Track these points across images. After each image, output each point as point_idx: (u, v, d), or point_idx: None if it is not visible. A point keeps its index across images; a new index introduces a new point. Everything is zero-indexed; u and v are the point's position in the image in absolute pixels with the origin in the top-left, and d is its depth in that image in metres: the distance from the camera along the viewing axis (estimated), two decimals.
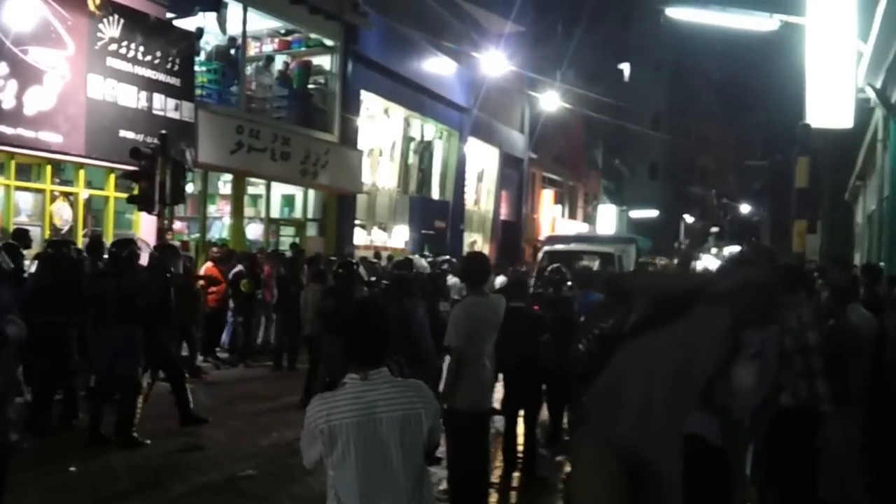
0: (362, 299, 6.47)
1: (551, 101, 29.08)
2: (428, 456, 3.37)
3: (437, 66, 22.88)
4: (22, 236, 9.70)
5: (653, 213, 47.37)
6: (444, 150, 25.03)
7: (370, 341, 3.12)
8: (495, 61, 24.04)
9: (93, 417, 8.14)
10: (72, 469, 7.23)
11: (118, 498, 6.65)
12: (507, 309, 5.92)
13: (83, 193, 12.91)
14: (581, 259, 15.29)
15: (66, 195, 12.70)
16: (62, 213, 12.50)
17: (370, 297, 6.72)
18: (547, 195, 34.65)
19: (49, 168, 12.27)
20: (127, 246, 8.44)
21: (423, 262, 9.10)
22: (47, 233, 11.96)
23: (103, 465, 7.46)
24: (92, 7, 12.42)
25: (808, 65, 12.33)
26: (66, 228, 12.44)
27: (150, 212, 11.85)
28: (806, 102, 12.46)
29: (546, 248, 18.86)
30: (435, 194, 24.44)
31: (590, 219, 39.93)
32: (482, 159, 27.99)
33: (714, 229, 62.93)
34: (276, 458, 7.86)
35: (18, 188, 11.95)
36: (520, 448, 7.59)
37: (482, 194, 28.57)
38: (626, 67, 52.54)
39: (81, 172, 12.81)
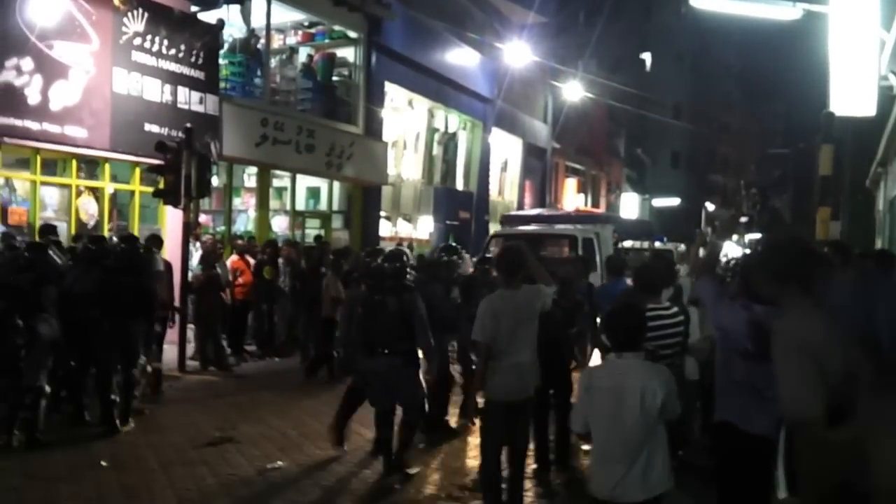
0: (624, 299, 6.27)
1: (574, 90, 28.91)
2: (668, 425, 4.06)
3: (460, 57, 22.76)
4: (49, 232, 9.72)
5: (675, 202, 47.06)
6: (468, 140, 24.93)
7: (626, 328, 4.10)
8: (518, 52, 23.91)
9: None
10: (103, 463, 7.23)
11: (149, 491, 6.63)
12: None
13: (109, 188, 12.93)
14: (541, 243, 13.63)
15: (92, 190, 12.72)
16: (88, 208, 12.53)
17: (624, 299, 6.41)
18: (570, 184, 34.48)
19: (74, 163, 12.30)
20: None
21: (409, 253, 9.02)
22: (73, 228, 11.99)
23: (134, 458, 7.46)
24: (116, 2, 12.40)
25: (831, 53, 12.24)
26: (92, 223, 12.47)
27: (175, 205, 11.83)
28: (829, 91, 12.39)
29: (495, 231, 16.53)
30: (459, 185, 24.35)
31: (612, 207, 39.70)
32: (506, 149, 27.87)
33: (743, 219, 62.59)
34: (305, 450, 7.83)
35: (44, 183, 11.98)
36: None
37: (506, 184, 28.46)
38: (647, 57, 52.16)
39: (107, 167, 12.82)
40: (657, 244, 20.38)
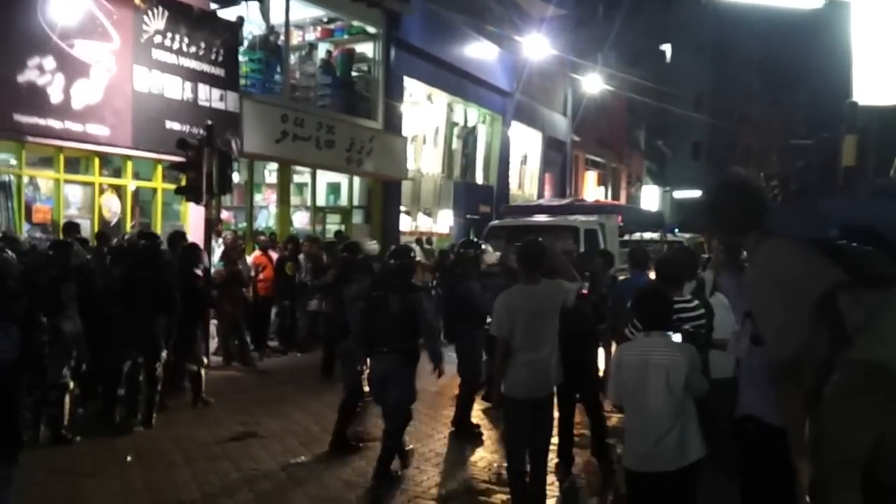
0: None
1: (593, 83, 28.76)
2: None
3: (479, 51, 22.71)
4: (73, 229, 9.80)
5: (696, 194, 46.71)
6: (487, 134, 24.89)
7: (653, 310, 4.37)
8: (537, 45, 23.79)
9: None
10: (128, 458, 7.30)
11: (173, 486, 6.68)
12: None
13: (131, 185, 13.02)
14: (540, 235, 13.21)
15: (115, 187, 12.82)
16: (111, 206, 12.63)
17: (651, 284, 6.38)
18: (590, 177, 34.33)
19: (97, 161, 12.39)
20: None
21: (417, 249, 8.76)
22: (97, 225, 12.08)
23: (158, 454, 7.52)
24: (137, 0, 12.47)
25: (854, 42, 12.08)
26: (114, 220, 12.57)
27: (197, 202, 11.89)
28: (852, 80, 12.24)
29: (492, 223, 15.72)
30: (479, 179, 24.33)
31: (633, 200, 39.48)
32: (525, 143, 27.80)
33: None
34: (327, 444, 7.84)
35: (67, 181, 12.08)
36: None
37: (526, 178, 28.38)
38: (667, 49, 51.76)
39: (129, 164, 12.91)
40: (669, 235, 19.68)
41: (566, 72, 28.70)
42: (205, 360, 9.59)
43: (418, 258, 8.57)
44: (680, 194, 46.17)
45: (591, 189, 33.98)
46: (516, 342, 5.52)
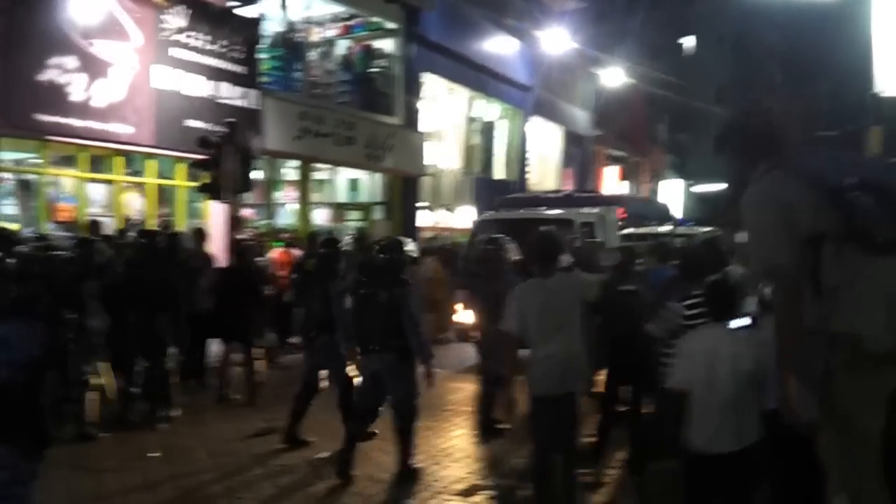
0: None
1: (614, 77, 28.53)
2: None
3: (499, 46, 22.62)
4: (94, 228, 9.86)
5: (720, 187, 46.30)
6: (507, 129, 24.80)
7: (720, 298, 4.44)
8: (557, 39, 23.64)
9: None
10: (155, 455, 7.33)
11: (197, 481, 6.71)
12: (610, 293, 5.77)
13: (153, 183, 13.07)
14: (532, 229, 12.45)
15: (138, 186, 12.88)
16: (134, 204, 12.68)
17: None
18: (611, 172, 34.14)
19: (119, 159, 12.44)
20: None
21: (410, 246, 8.41)
22: (120, 223, 12.14)
23: (182, 450, 7.56)
24: None
25: (875, 33, 11.91)
26: (137, 219, 12.62)
27: (220, 200, 11.94)
28: (874, 71, 12.07)
29: (482, 217, 14.92)
30: (499, 174, 24.25)
31: (655, 194, 39.24)
32: (546, 137, 27.66)
33: None
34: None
35: (90, 180, 12.14)
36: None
37: (546, 173, 28.24)
38: (688, 41, 51.37)
39: (151, 163, 12.96)
40: (682, 228, 18.67)
41: (587, 66, 28.50)
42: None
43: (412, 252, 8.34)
44: (702, 188, 45.83)
45: (612, 184, 33.79)
46: (531, 338, 5.42)
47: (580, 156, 30.40)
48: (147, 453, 7.37)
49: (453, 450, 7.76)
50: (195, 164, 12.14)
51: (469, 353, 11.36)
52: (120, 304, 8.03)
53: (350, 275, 7.30)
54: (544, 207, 13.88)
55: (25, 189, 11.27)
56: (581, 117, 29.96)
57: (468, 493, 6.54)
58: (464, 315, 11.29)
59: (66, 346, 3.85)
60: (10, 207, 11.26)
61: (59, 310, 4.41)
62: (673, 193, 40.61)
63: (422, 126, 19.26)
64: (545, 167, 28.22)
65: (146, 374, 8.46)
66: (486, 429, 8.21)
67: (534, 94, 24.87)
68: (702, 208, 36.67)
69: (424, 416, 9.11)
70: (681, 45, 50.15)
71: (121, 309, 8.03)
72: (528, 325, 5.39)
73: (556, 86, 26.64)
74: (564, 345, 5.39)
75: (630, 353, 6.49)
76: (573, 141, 29.48)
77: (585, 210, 13.18)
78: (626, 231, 13.47)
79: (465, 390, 9.82)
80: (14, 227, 10.57)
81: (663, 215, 17.59)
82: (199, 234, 11.19)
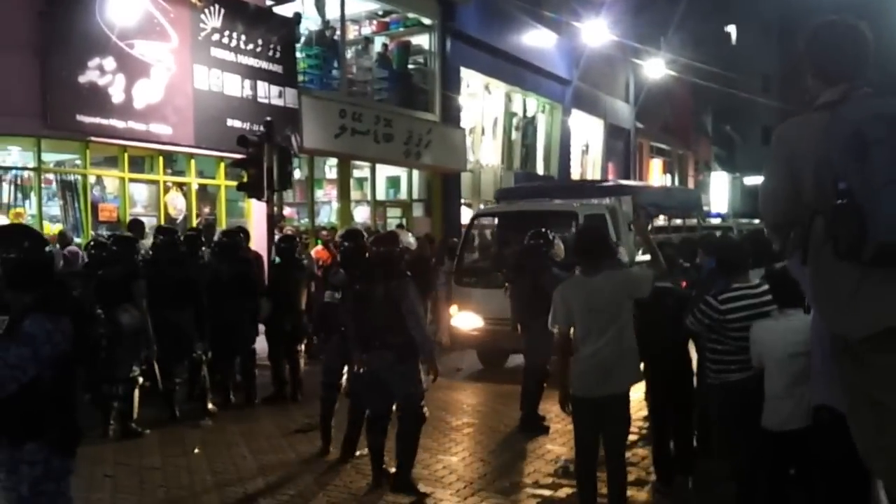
0: None
1: (656, 68, 28.14)
2: None
3: (537, 39, 22.42)
4: (137, 227, 9.92)
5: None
6: (547, 123, 24.60)
7: (787, 286, 4.30)
8: (597, 30, 23.33)
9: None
10: (196, 451, 7.32)
11: (239, 477, 6.68)
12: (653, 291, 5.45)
13: (195, 183, 13.15)
14: (531, 223, 10.40)
15: (179, 185, 12.97)
16: (176, 203, 12.78)
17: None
18: (655, 165, 33.73)
19: (161, 159, 12.53)
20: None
21: (409, 238, 8.03)
22: (162, 223, 12.23)
23: (226, 446, 7.54)
24: None
25: None
26: (180, 218, 12.71)
27: (259, 198, 11.92)
28: None
29: (476, 211, 13.86)
30: (540, 169, 24.05)
31: (701, 186, 38.69)
32: (587, 131, 27.41)
33: None
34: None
35: (132, 180, 12.26)
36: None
37: (588, 167, 27.98)
38: (732, 30, 50.59)
39: (192, 162, 13.04)
40: (714, 220, 17.29)
41: (627, 57, 28.17)
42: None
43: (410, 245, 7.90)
44: (750, 180, 45.04)
45: (657, 177, 33.41)
46: (576, 337, 5.20)
47: (623, 149, 30.06)
48: (189, 449, 7.36)
49: (496, 447, 7.63)
50: (235, 163, 12.18)
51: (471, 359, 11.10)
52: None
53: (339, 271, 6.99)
54: (547, 199, 12.65)
55: (68, 190, 11.40)
56: (623, 110, 29.62)
57: (509, 491, 6.39)
58: (460, 319, 11.03)
59: (99, 342, 3.81)
60: (54, 208, 11.39)
61: (92, 306, 4.38)
62: (720, 186, 40.02)
63: (460, 122, 19.13)
64: (587, 161, 27.95)
65: (188, 370, 8.47)
66: (532, 424, 8.08)
67: (573, 88, 24.61)
68: (751, 201, 36.04)
69: (464, 411, 9.11)
70: (727, 34, 49.41)
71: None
72: (577, 323, 5.17)
73: (597, 78, 26.36)
74: (610, 345, 5.11)
75: (665, 362, 6.07)
76: (615, 134, 29.17)
77: (595, 201, 12.18)
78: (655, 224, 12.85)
79: (512, 387, 9.63)
80: (57, 227, 10.74)
81: (688, 206, 16.36)
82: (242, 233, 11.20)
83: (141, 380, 7.78)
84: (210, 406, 8.56)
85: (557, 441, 7.73)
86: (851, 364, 2.81)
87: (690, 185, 37.76)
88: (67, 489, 3.69)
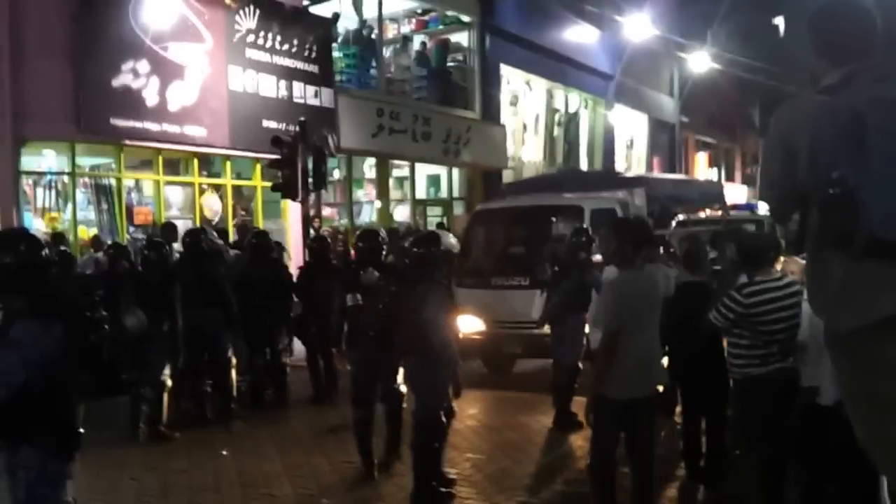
0: None
1: (701, 62, 27.58)
2: None
3: (578, 34, 22.15)
4: (169, 230, 9.92)
5: None
6: (590, 119, 24.31)
7: None
8: (640, 25, 22.87)
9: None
10: (224, 454, 7.25)
11: (266, 480, 6.59)
12: (683, 285, 5.34)
13: (230, 184, 13.15)
14: (536, 219, 10.52)
15: (215, 187, 12.98)
16: (211, 205, 12.80)
17: None
18: (701, 159, 33.19)
19: (196, 161, 12.55)
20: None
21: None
22: (198, 225, 12.24)
23: (253, 447, 7.46)
24: (227, 0, 12.58)
25: None
26: (215, 220, 12.71)
27: (294, 199, 11.90)
28: None
29: (477, 208, 13.21)
30: (583, 165, 23.74)
31: (749, 181, 37.94)
32: (631, 126, 27.07)
33: None
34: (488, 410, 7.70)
35: (168, 182, 12.29)
36: None
37: (633, 162, 27.60)
38: (780, 22, 49.60)
39: (228, 164, 13.05)
40: (745, 212, 15.23)
41: (672, 50, 27.66)
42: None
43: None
44: None
45: (703, 171, 32.89)
46: (623, 336, 4.85)
47: (668, 143, 29.62)
48: (217, 453, 7.29)
49: (527, 444, 7.49)
50: (271, 164, 12.16)
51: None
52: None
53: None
54: (554, 194, 11.89)
55: (103, 194, 11.47)
56: (667, 104, 29.21)
57: (538, 490, 6.24)
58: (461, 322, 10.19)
59: (100, 347, 3.74)
60: (90, 213, 11.47)
61: (95, 309, 4.29)
62: None
63: (501, 119, 18.95)
64: (632, 156, 27.58)
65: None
66: (564, 421, 7.89)
67: (616, 82, 24.25)
68: None
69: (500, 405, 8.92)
70: (775, 26, 48.41)
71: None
72: (625, 321, 4.81)
73: (640, 73, 25.95)
74: (653, 343, 4.92)
75: (703, 359, 5.69)
76: (660, 128, 28.76)
77: (605, 194, 11.46)
78: (680, 218, 12.28)
79: (540, 384, 9.41)
80: (93, 232, 10.82)
81: (710, 198, 15.36)
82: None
83: (170, 383, 7.73)
84: (233, 406, 8.49)
85: (582, 438, 7.53)
86: (844, 355, 2.70)
87: (738, 178, 37.12)
88: (64, 494, 3.65)
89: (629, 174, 16.78)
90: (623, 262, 4.96)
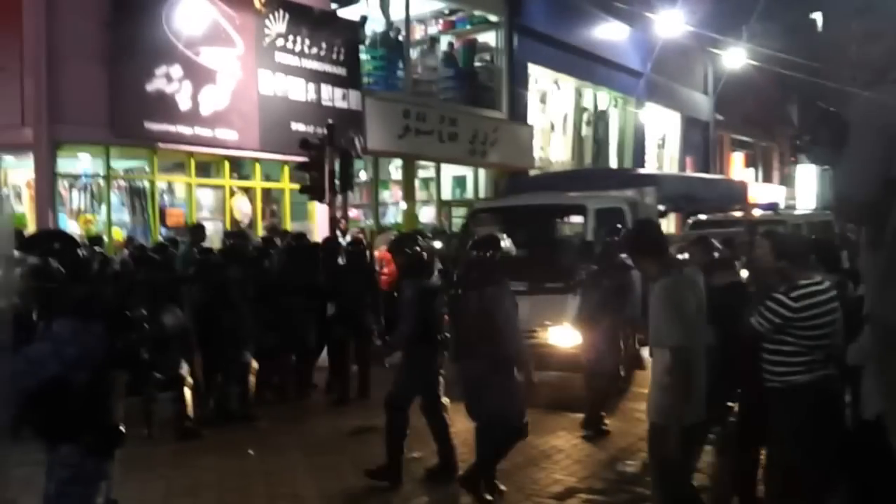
0: None
1: (737, 58, 27.20)
2: None
3: (607, 31, 22.02)
4: (197, 231, 10.13)
5: None
6: (620, 117, 24.11)
7: None
8: (672, 20, 22.65)
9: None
10: (251, 453, 7.42)
11: (290, 478, 6.73)
12: (721, 287, 5.08)
13: (260, 187, 13.35)
14: (535, 220, 10.16)
15: (245, 189, 13.19)
16: (241, 207, 13.01)
17: None
18: (737, 158, 32.72)
19: (227, 164, 12.77)
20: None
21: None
22: (228, 227, 12.47)
23: (279, 448, 7.62)
24: (258, 4, 12.77)
25: None
26: (245, 222, 12.93)
27: (321, 200, 12.08)
28: None
29: (475, 207, 12.74)
30: (612, 165, 23.59)
31: (787, 180, 37.38)
32: (663, 125, 26.77)
33: None
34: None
35: (199, 185, 12.52)
36: None
37: (665, 162, 27.32)
38: (818, 17, 48.79)
39: (257, 166, 13.25)
40: (759, 212, 14.58)
41: (706, 47, 27.34)
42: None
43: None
44: None
45: (738, 171, 32.43)
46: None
47: (702, 142, 29.28)
48: (244, 452, 7.44)
49: (553, 450, 7.50)
50: (299, 167, 12.34)
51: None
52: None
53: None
54: (556, 192, 11.26)
55: (137, 196, 11.71)
56: (701, 101, 28.86)
57: (564, 496, 6.28)
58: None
59: (138, 346, 3.87)
60: (123, 215, 11.72)
61: (135, 309, 4.45)
62: (806, 178, 38.64)
63: (528, 118, 18.95)
64: (664, 155, 27.35)
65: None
66: (594, 426, 7.93)
67: (647, 80, 24.05)
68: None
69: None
70: (813, 21, 47.63)
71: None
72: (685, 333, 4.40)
73: (672, 70, 25.66)
74: (708, 356, 4.57)
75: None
76: (693, 127, 28.43)
77: (614, 193, 10.93)
78: (696, 218, 11.80)
79: (568, 388, 9.47)
80: (125, 233, 11.06)
81: (730, 198, 14.83)
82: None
83: (190, 380, 7.90)
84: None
85: (615, 444, 7.61)
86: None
87: (775, 178, 36.58)
88: (95, 493, 3.71)
89: (641, 172, 15.74)
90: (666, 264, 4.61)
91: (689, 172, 25.63)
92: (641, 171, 16.88)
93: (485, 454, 6.02)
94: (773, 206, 14.92)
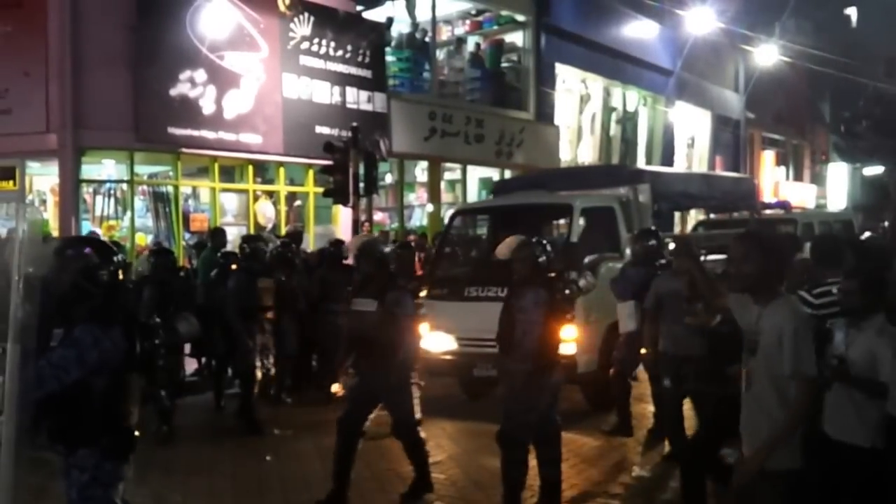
0: None
1: (768, 55, 26.85)
2: None
3: (636, 29, 21.84)
4: (218, 236, 10.15)
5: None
6: (649, 117, 23.90)
7: None
8: (702, 18, 22.38)
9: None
10: (268, 458, 7.40)
11: (307, 484, 6.70)
12: None
13: (284, 191, 13.37)
14: (520, 221, 9.26)
15: (269, 194, 13.21)
16: (265, 212, 13.03)
17: None
18: (768, 157, 32.32)
19: (251, 168, 12.79)
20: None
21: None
22: (252, 231, 12.47)
23: (296, 452, 7.62)
24: (282, 7, 12.79)
25: None
26: (269, 226, 12.94)
27: (345, 204, 12.06)
28: None
29: (456, 208, 12.39)
30: (641, 165, 23.35)
31: (818, 179, 36.86)
32: (692, 123, 26.51)
33: None
34: (461, 445, 7.69)
35: (223, 190, 12.56)
36: None
37: (694, 161, 27.03)
38: (852, 13, 48.05)
39: (281, 170, 13.27)
40: (771, 212, 13.71)
41: (736, 44, 27.02)
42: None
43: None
44: (870, 171, 42.60)
45: (769, 170, 32.04)
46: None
47: (732, 141, 28.94)
48: (262, 457, 7.45)
49: (569, 454, 7.41)
50: (323, 170, 12.32)
51: None
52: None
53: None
54: (542, 192, 10.47)
55: (160, 201, 11.78)
56: (731, 100, 28.55)
57: (579, 499, 6.22)
58: (431, 340, 8.61)
59: (155, 352, 3.91)
60: (148, 220, 11.80)
61: (149, 316, 4.48)
62: (838, 178, 38.06)
63: (556, 119, 18.82)
64: (693, 154, 27.06)
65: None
66: (624, 425, 7.88)
67: (677, 78, 23.79)
68: (872, 193, 34.11)
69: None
70: (847, 17, 46.95)
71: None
72: None
73: (702, 68, 25.42)
74: None
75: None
76: (724, 125, 28.11)
77: (605, 192, 10.39)
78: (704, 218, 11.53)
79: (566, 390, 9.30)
80: (149, 238, 11.12)
81: (736, 196, 13.90)
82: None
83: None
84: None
85: (628, 450, 7.53)
86: None
87: (806, 177, 36.06)
88: (115, 495, 3.76)
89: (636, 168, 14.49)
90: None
91: (685, 169, 24.62)
92: (638, 167, 15.91)
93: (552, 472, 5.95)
94: (783, 205, 14.35)
